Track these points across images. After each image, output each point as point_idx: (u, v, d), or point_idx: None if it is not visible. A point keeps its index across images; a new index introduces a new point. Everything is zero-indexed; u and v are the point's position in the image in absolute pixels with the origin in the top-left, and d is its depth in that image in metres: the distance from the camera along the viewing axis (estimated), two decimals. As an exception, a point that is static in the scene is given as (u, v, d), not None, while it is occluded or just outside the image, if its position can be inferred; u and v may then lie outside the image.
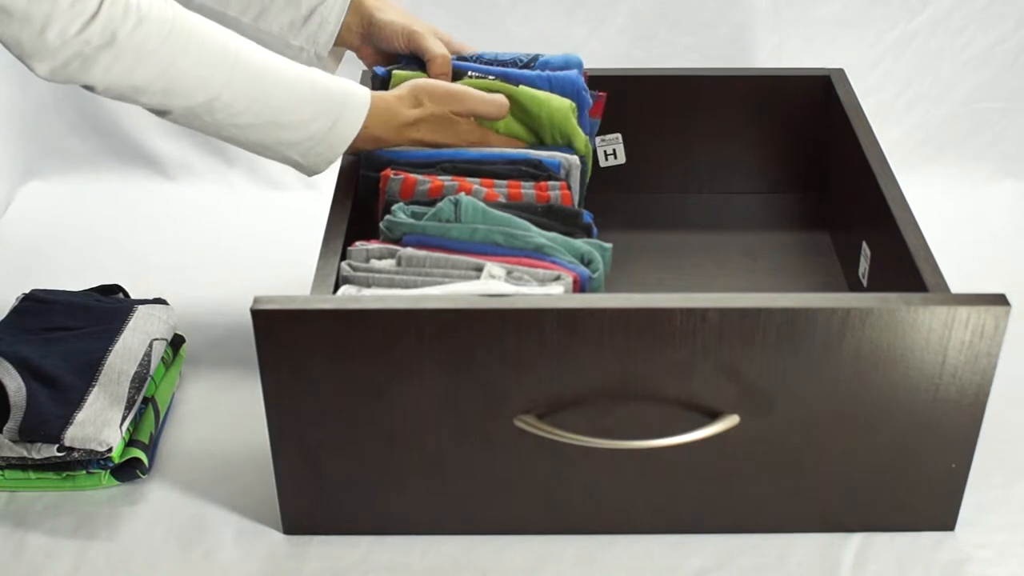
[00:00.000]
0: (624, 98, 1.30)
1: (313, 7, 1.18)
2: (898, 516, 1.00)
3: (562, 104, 1.14)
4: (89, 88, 1.00)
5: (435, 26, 1.22)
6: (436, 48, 1.18)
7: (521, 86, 1.15)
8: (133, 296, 1.24)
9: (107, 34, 0.96)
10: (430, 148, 1.12)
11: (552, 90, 1.16)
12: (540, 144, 1.15)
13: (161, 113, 1.04)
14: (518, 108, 1.15)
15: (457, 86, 1.13)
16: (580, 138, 1.15)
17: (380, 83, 1.18)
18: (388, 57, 1.23)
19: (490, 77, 1.16)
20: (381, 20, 1.20)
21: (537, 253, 1.00)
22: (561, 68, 1.19)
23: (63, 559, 0.99)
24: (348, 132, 1.07)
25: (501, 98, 1.13)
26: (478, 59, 1.20)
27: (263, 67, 1.04)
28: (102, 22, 0.95)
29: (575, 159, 1.12)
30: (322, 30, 1.19)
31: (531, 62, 1.20)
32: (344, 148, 1.08)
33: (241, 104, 1.03)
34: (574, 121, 1.14)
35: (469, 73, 1.16)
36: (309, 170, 1.10)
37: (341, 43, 1.22)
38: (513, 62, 1.20)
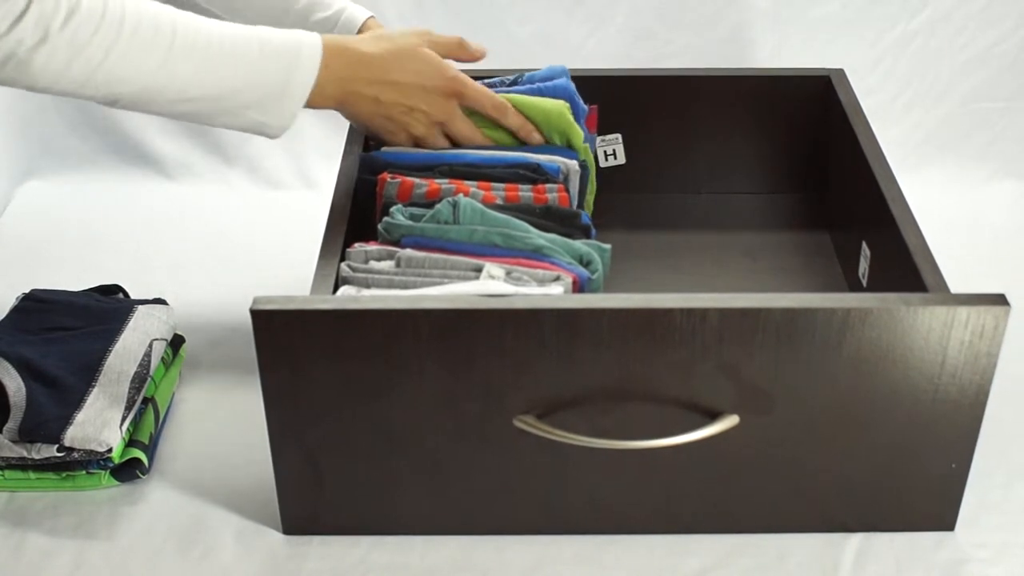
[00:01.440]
0: (624, 98, 1.30)
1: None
2: (898, 516, 1.00)
3: (555, 104, 1.14)
4: (31, 88, 0.98)
5: (427, 31, 1.18)
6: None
7: (512, 94, 1.15)
8: (133, 296, 1.24)
9: (39, 31, 0.93)
10: (398, 100, 1.08)
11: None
12: (539, 147, 1.15)
13: (111, 103, 1.01)
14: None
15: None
16: (578, 135, 1.15)
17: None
18: None
19: None
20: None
21: (536, 254, 1.00)
22: (546, 79, 1.19)
23: (63, 559, 0.99)
24: (306, 78, 1.03)
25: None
26: None
27: (205, 38, 1.00)
28: (32, 19, 0.92)
29: (574, 164, 1.12)
30: None
31: (517, 80, 1.20)
32: (305, 95, 1.04)
33: (186, 80, 0.99)
34: (570, 118, 1.14)
35: None
36: (275, 128, 1.05)
37: None
38: (500, 83, 1.19)
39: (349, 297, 0.94)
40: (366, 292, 0.96)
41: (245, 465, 1.07)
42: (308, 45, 1.03)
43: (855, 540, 1.00)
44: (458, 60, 1.15)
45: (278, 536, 1.01)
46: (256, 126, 1.04)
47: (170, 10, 1.00)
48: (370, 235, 1.05)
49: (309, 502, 0.99)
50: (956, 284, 0.98)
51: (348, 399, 0.93)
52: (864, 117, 1.23)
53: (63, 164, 1.53)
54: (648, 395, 0.92)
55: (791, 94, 1.32)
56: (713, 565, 0.98)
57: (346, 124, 1.21)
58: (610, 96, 1.25)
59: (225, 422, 1.13)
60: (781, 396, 0.93)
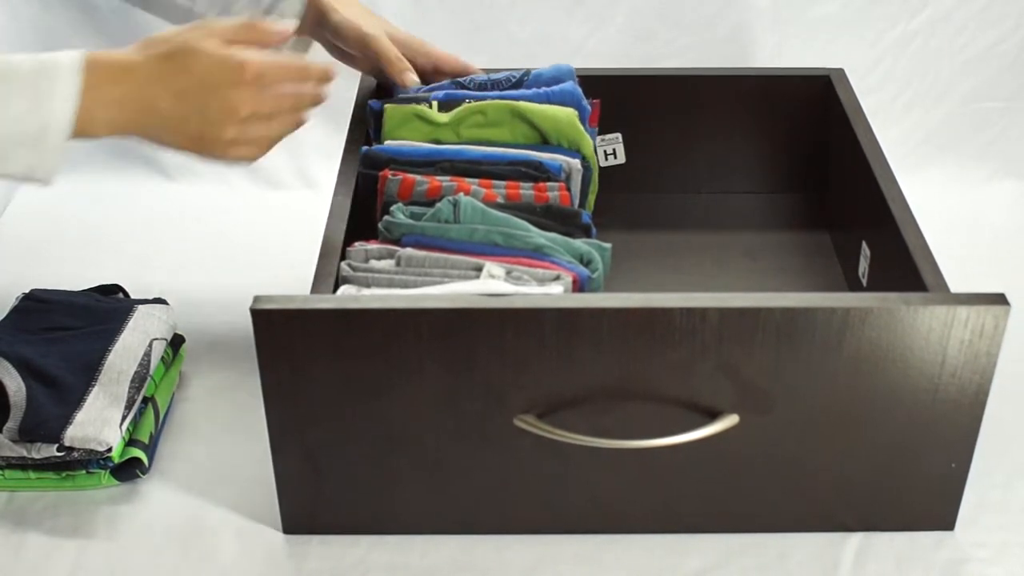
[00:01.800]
0: (624, 98, 1.30)
1: (272, 3, 1.15)
2: (898, 516, 1.00)
3: (565, 113, 1.14)
4: None
5: (386, 20, 1.20)
6: (389, 52, 1.17)
7: (522, 102, 1.15)
8: (133, 296, 1.24)
9: None
10: (195, 110, 0.93)
11: (552, 104, 1.16)
12: (542, 146, 1.15)
13: None
14: (523, 123, 1.15)
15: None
16: (588, 143, 1.15)
17: (375, 117, 1.18)
18: (353, 60, 1.21)
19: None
20: (335, 21, 1.17)
21: (536, 253, 1.00)
22: (553, 79, 1.19)
23: (63, 559, 0.99)
24: (64, 104, 0.88)
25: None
26: (471, 82, 1.19)
27: None
28: None
29: (576, 162, 1.12)
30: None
31: (524, 77, 1.20)
32: (66, 128, 0.89)
33: None
34: (580, 127, 1.14)
35: (467, 100, 1.16)
36: (43, 170, 0.91)
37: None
38: (506, 79, 1.19)
39: (349, 296, 0.94)
40: (366, 291, 0.96)
41: (245, 465, 1.07)
42: (64, 67, 0.89)
43: (855, 540, 1.00)
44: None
45: (278, 536, 1.01)
46: (20, 170, 0.90)
47: None
48: (371, 233, 1.05)
49: (309, 502, 0.99)
50: (956, 284, 0.98)
51: (348, 399, 0.93)
52: (864, 117, 1.23)
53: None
54: (648, 395, 0.92)
55: (791, 94, 1.32)
56: (713, 565, 0.98)
57: (346, 124, 1.22)
58: (610, 96, 1.25)
59: (225, 422, 1.13)
60: (781, 396, 0.93)
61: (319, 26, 1.18)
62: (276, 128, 0.98)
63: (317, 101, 1.01)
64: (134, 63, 0.92)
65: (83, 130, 0.90)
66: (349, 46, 1.18)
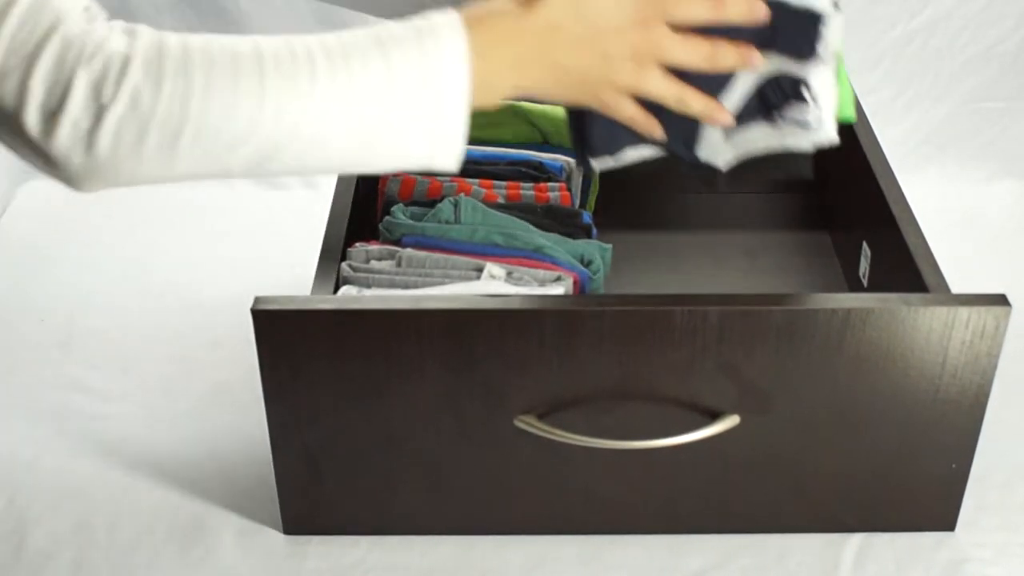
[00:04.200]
0: (624, 98, 1.30)
1: None
2: (898, 516, 1.00)
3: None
4: (118, 184, 0.75)
5: None
6: None
7: (523, 101, 1.15)
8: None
9: (92, 104, 0.70)
10: (589, 60, 0.81)
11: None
12: (543, 146, 1.15)
13: (223, 173, 0.77)
14: (524, 123, 1.15)
15: None
16: None
17: None
18: None
19: None
20: None
21: (537, 254, 1.00)
22: None
23: (63, 559, 0.99)
24: (456, 71, 0.76)
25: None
26: None
27: (305, 59, 0.74)
28: (81, 92, 0.70)
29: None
30: None
31: None
32: (463, 102, 0.77)
33: (309, 123, 0.74)
34: None
35: None
36: (445, 152, 0.78)
37: None
38: None
39: (350, 297, 0.94)
40: (367, 292, 0.96)
41: (245, 465, 1.07)
42: (445, 31, 0.77)
43: (855, 540, 1.00)
44: None
45: (278, 536, 1.01)
46: (427, 155, 0.78)
47: (245, 38, 0.75)
48: (372, 233, 1.05)
49: (309, 502, 0.99)
50: (956, 284, 0.98)
51: (348, 399, 0.93)
52: (864, 117, 1.22)
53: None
54: (648, 395, 0.92)
55: (791, 94, 1.32)
56: (713, 565, 0.98)
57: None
58: (610, 96, 1.25)
59: (225, 422, 1.13)
60: (781, 396, 0.93)
61: None
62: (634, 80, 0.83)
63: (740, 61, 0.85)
64: (520, 15, 0.79)
65: (480, 99, 0.78)
66: None
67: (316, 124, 0.74)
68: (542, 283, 0.97)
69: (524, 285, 0.96)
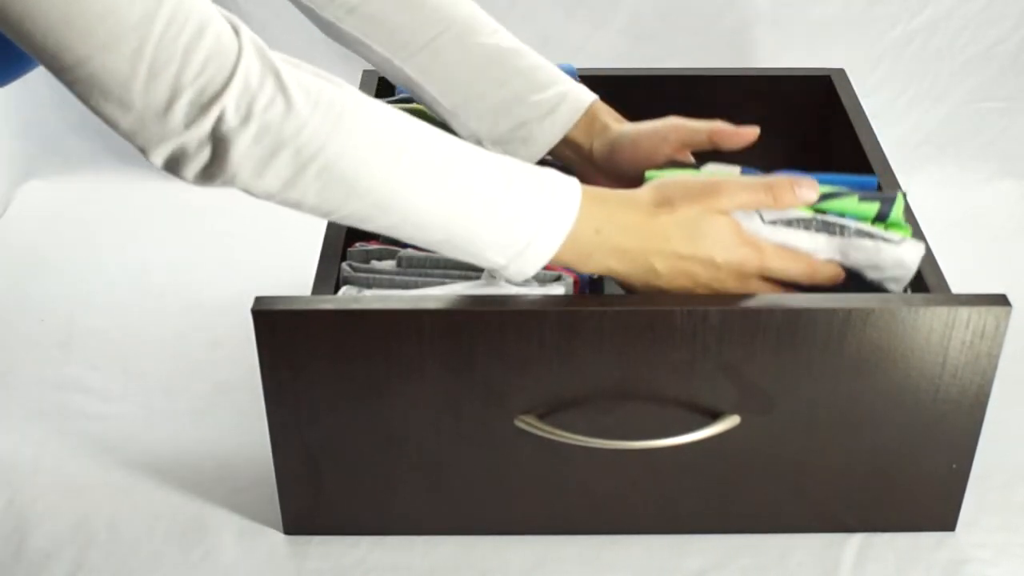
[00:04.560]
0: (624, 98, 1.29)
1: (524, 119, 1.03)
2: (898, 516, 1.00)
3: None
4: (228, 184, 0.80)
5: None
6: (694, 123, 1.04)
7: None
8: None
9: (243, 106, 0.75)
10: (679, 274, 0.90)
11: None
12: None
13: (324, 214, 0.84)
14: None
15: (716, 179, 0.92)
16: None
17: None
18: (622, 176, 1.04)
19: None
20: (618, 132, 1.04)
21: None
22: None
23: (63, 559, 0.99)
24: (558, 230, 0.86)
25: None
26: None
27: (443, 156, 0.83)
28: (237, 89, 0.75)
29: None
30: (524, 147, 1.04)
31: None
32: (553, 250, 0.87)
33: (411, 201, 0.82)
34: None
35: None
36: (513, 275, 0.88)
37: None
38: None
39: (350, 297, 0.94)
40: (367, 292, 0.96)
41: (245, 465, 1.07)
42: (565, 185, 0.87)
43: (855, 540, 1.00)
44: (723, 148, 1.02)
45: (278, 536, 1.01)
46: (493, 266, 0.88)
47: (402, 114, 0.83)
48: (371, 234, 1.05)
49: (309, 502, 0.99)
50: (956, 284, 0.98)
51: (348, 399, 0.93)
52: (865, 117, 1.22)
53: (63, 164, 1.53)
54: (649, 395, 0.92)
55: (791, 94, 1.32)
56: (713, 565, 0.98)
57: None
58: (611, 96, 1.24)
59: (225, 422, 1.13)
60: (782, 396, 0.93)
61: (602, 147, 1.05)
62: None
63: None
64: (641, 208, 0.89)
65: (571, 257, 0.88)
66: (660, 152, 1.04)
67: (427, 211, 0.83)
68: (542, 283, 0.97)
69: (524, 285, 0.96)
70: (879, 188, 0.97)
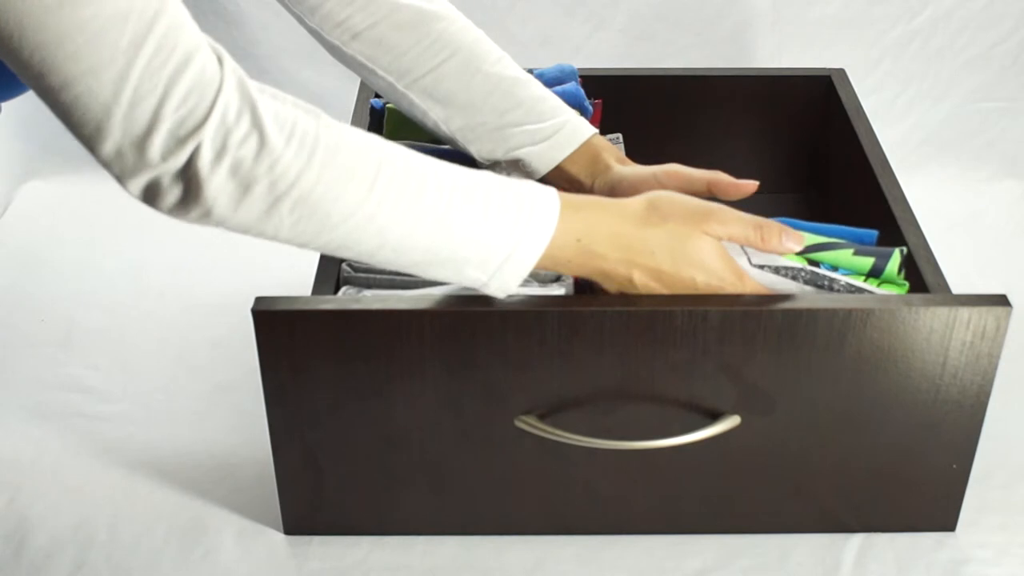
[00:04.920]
0: (624, 98, 1.30)
1: (521, 144, 1.05)
2: (898, 516, 1.00)
3: None
4: (204, 221, 0.80)
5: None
6: (695, 171, 1.03)
7: None
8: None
9: (219, 140, 0.75)
10: (657, 289, 0.90)
11: None
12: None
13: (300, 244, 0.84)
14: None
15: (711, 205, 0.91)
16: None
17: (376, 117, 1.17)
18: None
19: None
20: (617, 174, 1.04)
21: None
22: (556, 80, 1.19)
23: (63, 559, 0.99)
24: (538, 241, 0.86)
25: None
26: None
27: (417, 180, 0.83)
28: (215, 123, 0.75)
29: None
30: (518, 172, 1.05)
31: None
32: (533, 260, 0.87)
33: (389, 228, 0.82)
34: None
35: None
36: (495, 291, 0.88)
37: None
38: None
39: (350, 297, 0.94)
40: (367, 292, 0.96)
41: (245, 465, 1.07)
42: (542, 203, 0.86)
43: (856, 540, 1.00)
44: (721, 198, 1.00)
45: (278, 536, 1.01)
46: (474, 283, 0.87)
47: (376, 140, 0.83)
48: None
49: (309, 502, 0.99)
50: (956, 284, 0.98)
51: (348, 399, 0.93)
52: (864, 117, 1.23)
53: (63, 164, 1.53)
54: (649, 395, 0.92)
55: (791, 94, 1.32)
56: (713, 565, 0.98)
57: (347, 123, 1.21)
58: (610, 96, 1.25)
59: (225, 422, 1.13)
60: (782, 397, 0.93)
61: (591, 178, 1.06)
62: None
63: None
64: (628, 231, 0.89)
65: (544, 264, 0.88)
66: (633, 193, 0.99)
67: (404, 235, 0.83)
68: (542, 283, 0.97)
69: (524, 285, 0.96)
70: (878, 242, 0.97)
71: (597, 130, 1.07)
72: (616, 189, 1.03)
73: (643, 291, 0.90)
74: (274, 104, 0.78)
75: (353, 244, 0.83)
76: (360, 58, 1.04)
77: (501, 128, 1.05)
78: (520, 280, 0.87)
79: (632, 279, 0.90)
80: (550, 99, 1.06)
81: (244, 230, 0.81)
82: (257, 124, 0.76)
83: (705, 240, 0.89)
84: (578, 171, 1.05)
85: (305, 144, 0.78)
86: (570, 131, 1.05)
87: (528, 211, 0.86)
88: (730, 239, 0.91)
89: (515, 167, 1.05)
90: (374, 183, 0.81)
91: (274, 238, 0.81)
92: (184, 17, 0.74)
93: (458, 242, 0.84)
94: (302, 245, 0.83)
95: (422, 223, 0.83)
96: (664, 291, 0.90)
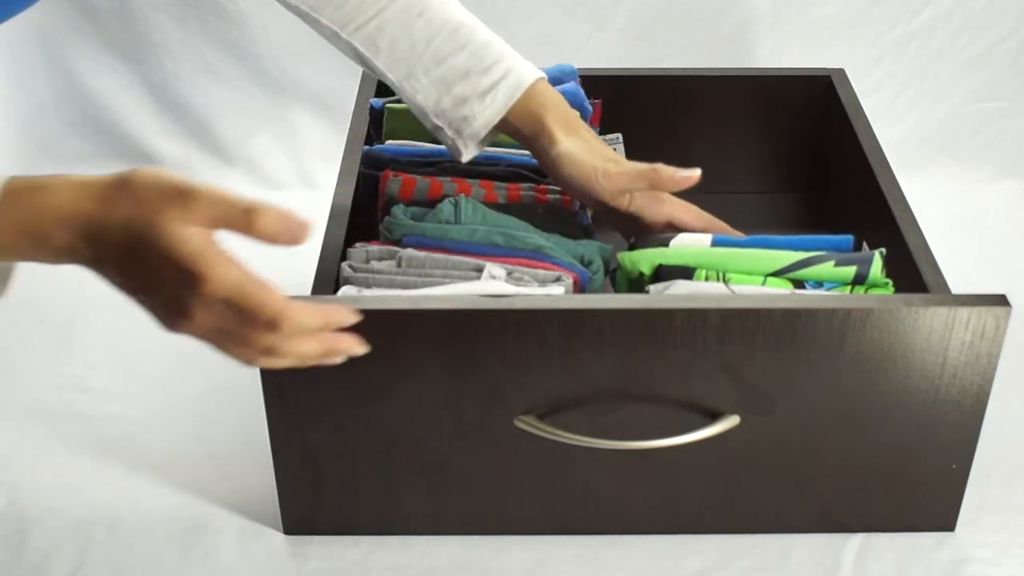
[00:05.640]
0: (624, 98, 1.30)
1: (465, 96, 1.01)
2: (898, 516, 1.00)
3: None
4: None
5: (608, 149, 1.03)
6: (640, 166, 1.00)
7: None
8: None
9: None
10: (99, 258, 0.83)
11: None
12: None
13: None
14: None
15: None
16: None
17: (376, 117, 1.17)
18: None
19: None
20: (556, 153, 1.00)
21: (537, 254, 1.00)
22: (555, 79, 1.18)
23: (63, 559, 0.99)
24: None
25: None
26: None
27: None
28: None
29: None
30: (466, 124, 1.02)
31: None
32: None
33: None
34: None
35: None
36: None
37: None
38: None
39: (350, 297, 0.94)
40: (367, 292, 0.96)
41: (245, 465, 1.07)
42: None
43: (856, 540, 1.00)
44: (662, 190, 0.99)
45: (278, 536, 1.01)
46: None
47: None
48: (372, 233, 1.05)
49: (309, 502, 0.99)
50: (956, 284, 0.98)
51: (348, 399, 0.93)
52: (864, 117, 1.23)
53: (63, 164, 1.53)
54: (649, 395, 0.92)
55: (791, 94, 1.32)
56: (713, 565, 0.98)
57: (346, 124, 1.21)
58: (610, 96, 1.25)
59: (225, 422, 1.13)
60: (782, 397, 0.93)
61: (536, 152, 1.03)
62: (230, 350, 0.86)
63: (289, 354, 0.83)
64: (51, 189, 0.81)
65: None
66: (568, 183, 1.02)
67: None
68: (542, 283, 0.97)
69: (524, 285, 0.96)
70: (855, 246, 0.97)
71: (544, 75, 1.02)
72: (558, 164, 1.00)
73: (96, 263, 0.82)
74: None
75: None
76: (303, 7, 1.02)
77: (444, 78, 1.01)
78: None
79: (74, 247, 0.83)
80: (495, 43, 1.02)
81: None
82: None
83: (183, 230, 0.79)
84: (521, 127, 1.01)
85: None
86: (513, 81, 1.00)
87: None
88: (213, 223, 0.80)
89: (463, 120, 1.01)
90: None
91: None
92: None
93: None
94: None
95: None
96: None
